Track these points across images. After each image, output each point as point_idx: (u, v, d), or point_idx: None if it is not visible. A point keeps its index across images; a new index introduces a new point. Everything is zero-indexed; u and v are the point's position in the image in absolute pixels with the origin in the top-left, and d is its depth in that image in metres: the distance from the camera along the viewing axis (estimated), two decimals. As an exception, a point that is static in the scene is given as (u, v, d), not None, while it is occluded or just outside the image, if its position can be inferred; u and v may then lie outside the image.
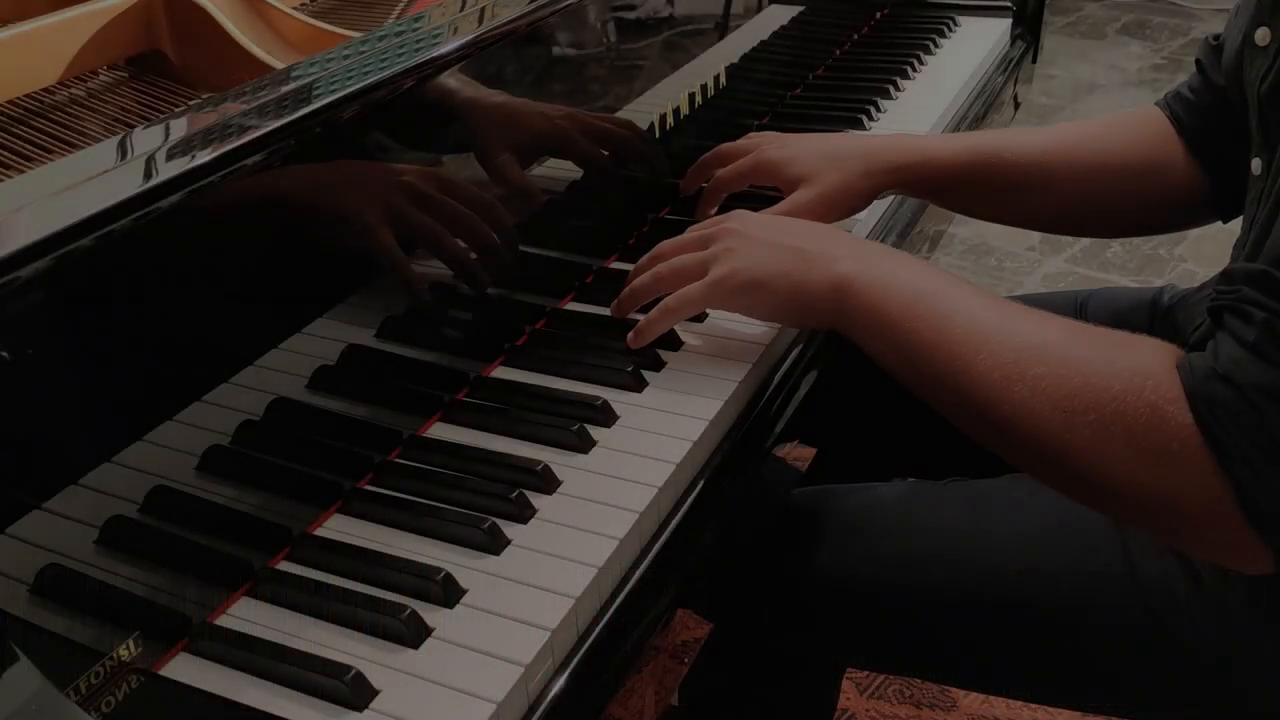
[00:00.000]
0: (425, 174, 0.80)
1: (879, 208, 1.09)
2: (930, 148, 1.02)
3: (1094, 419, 0.65)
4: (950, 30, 1.54)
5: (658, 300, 0.84)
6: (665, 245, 0.87)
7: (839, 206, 1.00)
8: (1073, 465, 0.67)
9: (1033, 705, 1.47)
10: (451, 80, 0.80)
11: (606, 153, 1.00)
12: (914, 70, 1.41)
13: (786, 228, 0.85)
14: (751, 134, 1.07)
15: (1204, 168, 0.95)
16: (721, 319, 0.91)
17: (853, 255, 0.79)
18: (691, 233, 0.87)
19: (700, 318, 0.91)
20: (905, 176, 1.01)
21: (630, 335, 0.84)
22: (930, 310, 0.74)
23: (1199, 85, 0.96)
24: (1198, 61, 0.96)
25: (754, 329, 0.89)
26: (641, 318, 0.85)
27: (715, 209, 1.04)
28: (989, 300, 0.75)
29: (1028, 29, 1.60)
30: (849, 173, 0.99)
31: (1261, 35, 0.77)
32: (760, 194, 1.04)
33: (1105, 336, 0.70)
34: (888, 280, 0.77)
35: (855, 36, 1.53)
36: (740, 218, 0.86)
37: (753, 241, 0.82)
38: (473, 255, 0.84)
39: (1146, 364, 0.66)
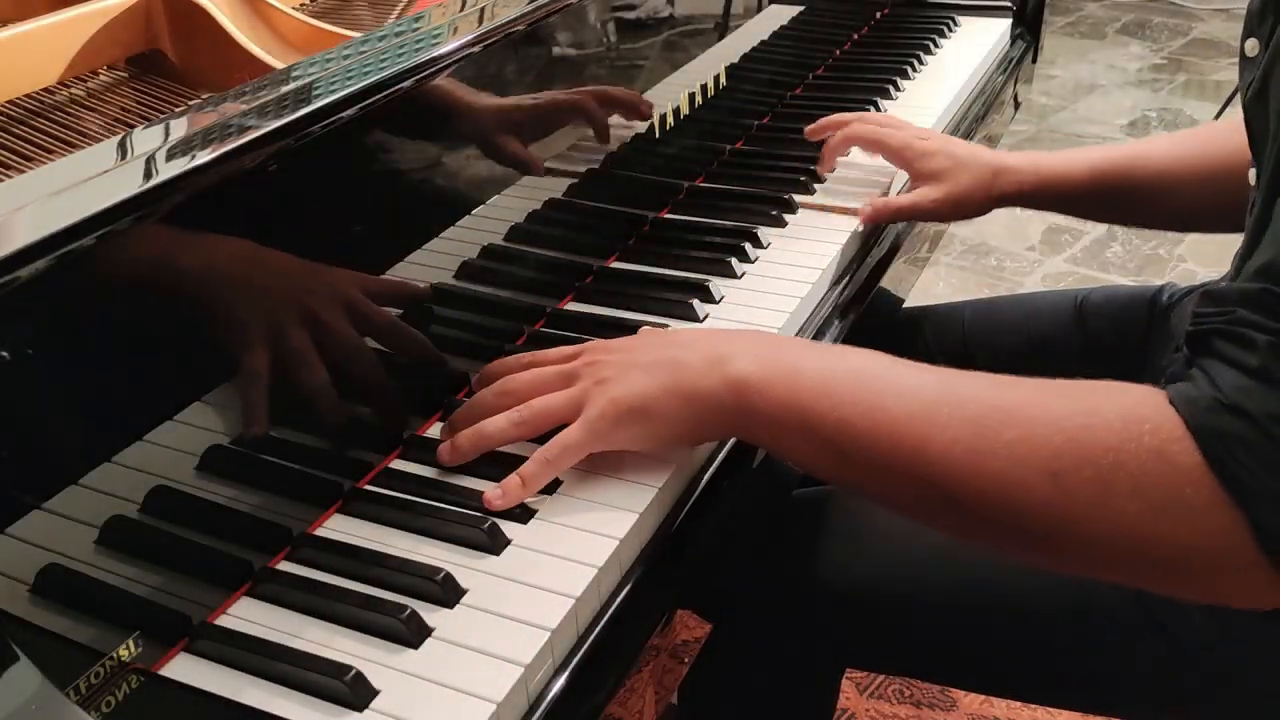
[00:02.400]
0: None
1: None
2: (1058, 170, 1.06)
3: (1090, 475, 0.59)
4: (950, 30, 1.54)
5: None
6: (514, 381, 0.75)
7: (961, 209, 1.06)
8: (1073, 533, 0.60)
9: (1033, 705, 1.47)
10: (450, 79, 0.80)
11: (606, 117, 1.00)
12: (914, 70, 1.41)
13: (654, 342, 0.75)
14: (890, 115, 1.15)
15: None
16: (721, 320, 0.91)
17: (742, 351, 0.70)
18: (545, 369, 0.75)
19: (699, 317, 0.90)
20: (1033, 198, 1.07)
21: (496, 494, 0.70)
22: (855, 391, 0.65)
23: None
24: None
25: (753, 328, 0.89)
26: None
27: (836, 159, 1.14)
28: (920, 368, 0.67)
29: (1028, 29, 1.60)
30: (977, 182, 1.05)
31: (1250, 46, 0.77)
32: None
33: (1073, 388, 0.63)
34: (794, 371, 0.68)
35: (855, 36, 1.53)
36: (599, 348, 0.75)
37: (623, 365, 0.72)
38: (475, 250, 0.84)
39: (1138, 408, 0.59)
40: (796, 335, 0.92)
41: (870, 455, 0.65)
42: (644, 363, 0.72)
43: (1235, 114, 1.00)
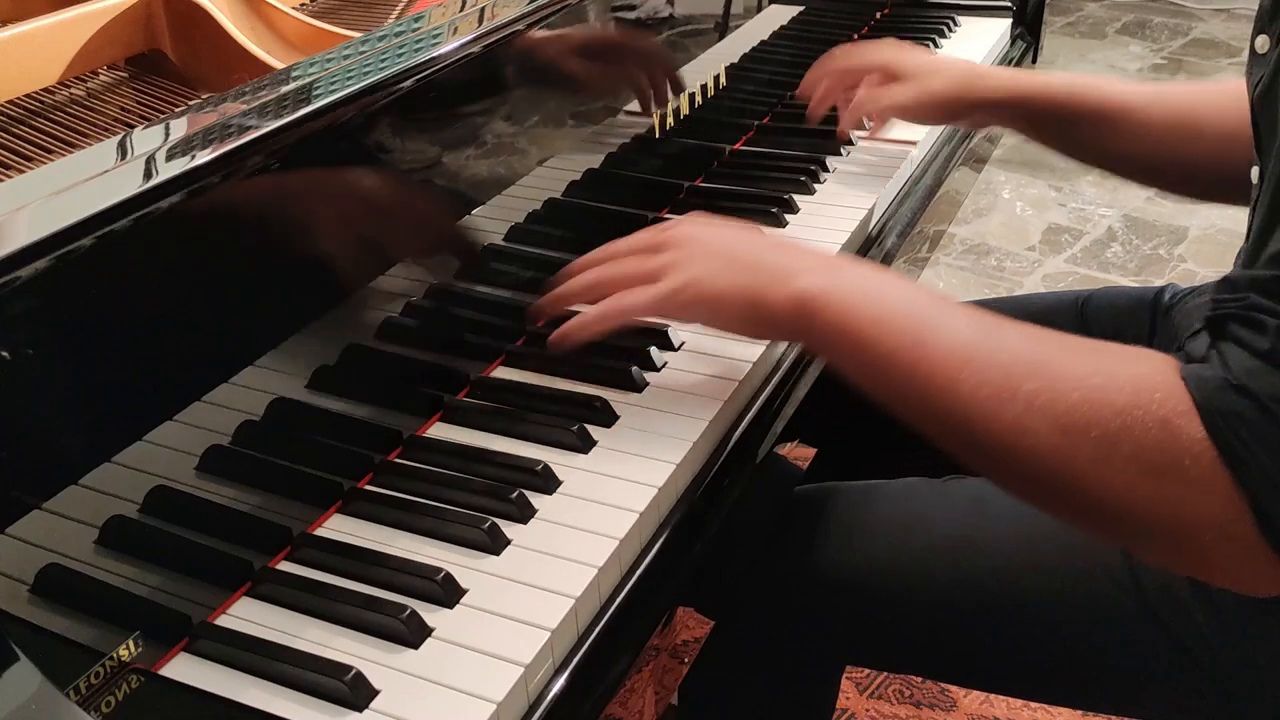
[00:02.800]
0: (413, 178, 0.80)
1: (879, 208, 1.09)
2: (1027, 81, 1.08)
3: (1097, 435, 0.61)
4: (950, 30, 1.54)
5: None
6: (605, 247, 0.82)
7: (933, 112, 1.10)
8: (1074, 486, 0.63)
9: (1033, 705, 1.47)
10: (450, 79, 0.80)
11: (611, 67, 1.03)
12: (914, 70, 1.41)
13: (741, 238, 0.80)
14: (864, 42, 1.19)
15: None
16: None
17: (814, 269, 0.75)
18: (633, 238, 0.82)
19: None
20: (1001, 104, 1.08)
21: (553, 336, 0.78)
22: (904, 326, 0.69)
23: None
24: None
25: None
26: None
27: (829, 104, 1.18)
28: (969, 312, 0.70)
29: (1028, 29, 1.60)
30: (950, 83, 1.08)
31: (1261, 42, 0.77)
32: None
33: (1100, 348, 0.66)
34: (854, 295, 0.72)
35: (855, 36, 1.53)
36: (692, 223, 0.82)
37: (707, 253, 0.78)
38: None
39: (1151, 376, 0.62)
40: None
41: (907, 384, 0.69)
42: (726, 255, 0.77)
43: (1227, 82, 1.01)
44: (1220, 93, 1.01)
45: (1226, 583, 0.66)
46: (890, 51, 1.13)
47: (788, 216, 1.07)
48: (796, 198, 1.09)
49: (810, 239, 1.03)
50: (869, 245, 1.07)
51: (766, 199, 1.08)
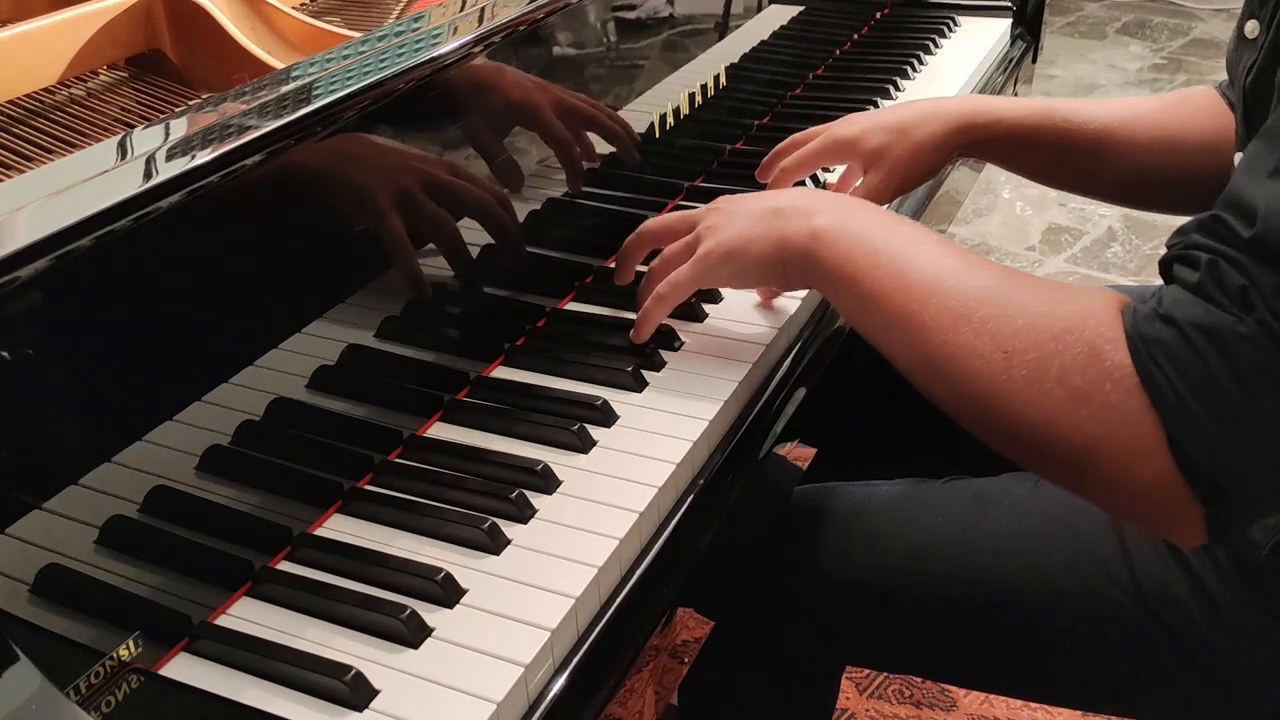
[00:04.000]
0: (434, 162, 0.80)
1: (879, 208, 1.09)
2: (999, 108, 1.02)
3: (1033, 358, 0.64)
4: (950, 30, 1.54)
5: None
6: (647, 225, 0.90)
7: (913, 175, 1.01)
8: (1004, 406, 0.65)
9: (1033, 705, 1.47)
10: (449, 79, 0.80)
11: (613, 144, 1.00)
12: (914, 70, 1.41)
13: (767, 195, 0.87)
14: (816, 126, 1.07)
15: None
16: (720, 320, 0.91)
17: (828, 209, 0.80)
18: (676, 215, 0.89)
19: (699, 317, 0.91)
20: (975, 136, 1.01)
21: (632, 331, 0.86)
22: (893, 257, 0.74)
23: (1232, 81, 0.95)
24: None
25: (753, 329, 0.89)
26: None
27: None
28: (955, 251, 0.73)
29: (1028, 29, 1.60)
30: (919, 139, 1.00)
31: (1251, 28, 0.77)
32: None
33: (1060, 286, 0.69)
34: (858, 231, 0.77)
35: (855, 36, 1.53)
36: (725, 198, 0.87)
37: (734, 214, 0.84)
38: (478, 248, 0.84)
39: (1092, 308, 0.64)
40: (806, 323, 0.93)
41: (887, 314, 0.72)
42: (751, 210, 0.83)
43: (1193, 91, 0.99)
44: (1192, 103, 1.00)
45: (1149, 524, 0.68)
46: (839, 129, 1.02)
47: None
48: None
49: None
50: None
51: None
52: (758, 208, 0.83)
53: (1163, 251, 0.67)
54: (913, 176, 1.00)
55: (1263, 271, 0.58)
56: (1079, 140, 1.00)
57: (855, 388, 0.96)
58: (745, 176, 1.15)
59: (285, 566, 0.68)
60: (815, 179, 1.12)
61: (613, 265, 1.00)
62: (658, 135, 1.07)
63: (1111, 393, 0.61)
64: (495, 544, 0.68)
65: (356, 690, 0.59)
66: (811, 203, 0.82)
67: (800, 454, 0.93)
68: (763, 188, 1.05)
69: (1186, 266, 0.62)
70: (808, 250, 0.78)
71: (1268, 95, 0.69)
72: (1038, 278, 0.70)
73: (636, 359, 0.84)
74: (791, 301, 0.92)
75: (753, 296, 0.94)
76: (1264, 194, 0.59)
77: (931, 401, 0.72)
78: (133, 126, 0.79)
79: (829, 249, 0.77)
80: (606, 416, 0.79)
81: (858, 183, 1.02)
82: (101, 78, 0.88)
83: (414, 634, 0.62)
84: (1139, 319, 0.62)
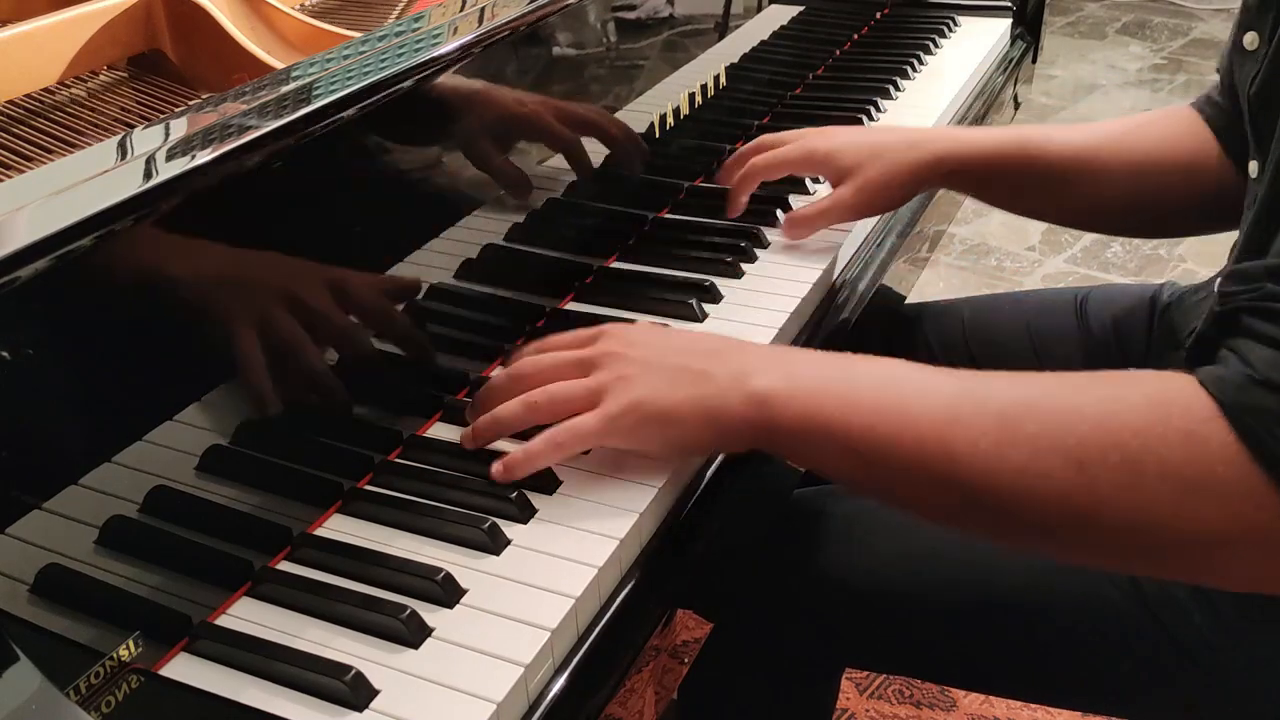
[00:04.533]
0: (437, 163, 0.80)
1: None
2: (973, 139, 1.01)
3: (1116, 461, 0.57)
4: (950, 30, 1.54)
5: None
6: (529, 363, 0.74)
7: (882, 199, 0.99)
8: (1100, 521, 0.59)
9: (1032, 705, 1.47)
10: (450, 80, 0.80)
11: (608, 148, 0.99)
12: (914, 70, 1.41)
13: (675, 345, 0.73)
14: (788, 131, 1.06)
15: (1240, 169, 0.94)
16: (720, 320, 0.91)
17: (765, 367, 0.69)
18: (561, 354, 0.74)
19: (699, 317, 0.90)
20: (948, 168, 0.99)
21: (498, 467, 0.71)
22: (876, 399, 0.65)
23: (1227, 89, 0.95)
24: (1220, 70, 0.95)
25: (753, 329, 0.89)
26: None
27: (747, 197, 1.04)
28: (935, 371, 0.66)
29: (1028, 29, 1.60)
30: (892, 164, 0.97)
31: (1250, 39, 0.77)
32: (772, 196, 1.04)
33: (1096, 376, 0.62)
34: (813, 381, 0.67)
35: (855, 36, 1.53)
36: (616, 336, 0.74)
37: (645, 365, 0.71)
38: (479, 247, 0.84)
39: (1163, 390, 0.59)
40: (800, 331, 0.93)
41: (895, 459, 0.64)
42: (668, 367, 0.70)
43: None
44: (1166, 125, 0.99)
45: (1273, 588, 0.63)
46: (814, 141, 1.00)
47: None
48: (794, 198, 1.09)
49: (815, 236, 1.03)
50: (871, 243, 1.07)
51: (768, 199, 1.08)
52: (673, 362, 0.71)
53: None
54: (881, 200, 0.99)
55: None
56: (1054, 169, 0.99)
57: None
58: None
59: (285, 566, 0.68)
60: (805, 187, 1.12)
61: (615, 265, 1.00)
62: (657, 135, 1.07)
63: (1225, 474, 0.56)
64: (495, 544, 0.68)
65: (356, 690, 0.59)
66: (739, 361, 0.70)
67: (800, 454, 0.93)
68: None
69: (1265, 320, 0.58)
70: (758, 418, 0.68)
71: (1275, 105, 0.69)
72: (1057, 374, 0.64)
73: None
74: (791, 301, 0.92)
75: (757, 297, 0.94)
76: None
77: (979, 538, 0.66)
78: (133, 126, 0.79)
79: (785, 410, 0.67)
80: (606, 416, 0.79)
81: (819, 194, 1.01)
82: (101, 78, 0.88)
83: (414, 634, 0.62)
84: (1232, 389, 0.57)
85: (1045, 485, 0.59)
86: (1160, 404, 0.58)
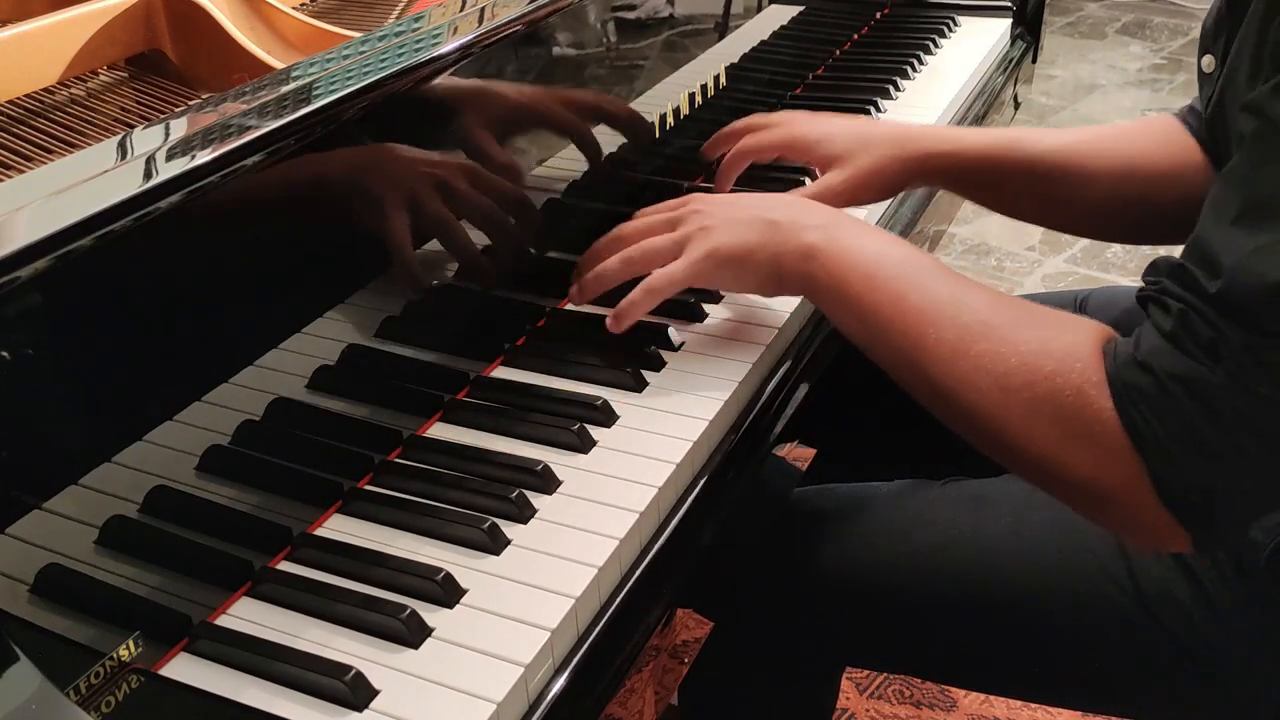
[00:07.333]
0: (441, 163, 0.80)
1: (879, 206, 1.09)
2: (962, 138, 1.01)
3: (1027, 397, 0.68)
4: (950, 30, 1.54)
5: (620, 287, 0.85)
6: (627, 227, 0.87)
7: (868, 190, 0.99)
8: (1006, 438, 0.69)
9: (1033, 705, 1.47)
10: (450, 80, 0.80)
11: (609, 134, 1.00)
12: (914, 70, 1.41)
13: (752, 202, 0.85)
14: (780, 112, 1.06)
15: None
16: (719, 320, 0.91)
17: (820, 225, 0.80)
18: (653, 215, 0.87)
19: (699, 316, 0.91)
20: (936, 165, 1.00)
21: (610, 318, 0.84)
22: (889, 283, 0.75)
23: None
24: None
25: (753, 328, 0.89)
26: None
27: (734, 179, 1.04)
28: (945, 275, 0.75)
29: (1028, 29, 1.60)
30: (881, 157, 0.98)
31: (1207, 62, 0.79)
32: (773, 176, 1.04)
33: (1046, 317, 0.71)
34: (851, 251, 0.78)
35: (855, 36, 1.53)
36: (701, 199, 0.86)
37: (724, 218, 0.83)
38: (483, 249, 0.84)
39: (1078, 347, 0.68)
40: (800, 330, 0.93)
41: (889, 338, 0.75)
42: (744, 219, 0.82)
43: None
44: (1152, 132, 0.99)
45: (1138, 539, 0.74)
46: (804, 126, 1.01)
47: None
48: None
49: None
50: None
51: (781, 181, 1.08)
52: (749, 215, 0.83)
53: (1162, 252, 0.67)
54: (868, 192, 0.99)
55: (1229, 326, 0.61)
56: (1040, 170, 0.99)
57: (855, 388, 0.96)
58: (745, 177, 1.15)
59: (285, 566, 0.68)
60: (812, 177, 1.12)
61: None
62: (658, 135, 1.07)
63: (1100, 434, 0.65)
64: (495, 544, 0.68)
65: (356, 690, 0.59)
66: (803, 215, 0.82)
67: (800, 454, 0.93)
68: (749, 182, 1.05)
69: (1160, 310, 0.66)
70: (802, 266, 0.79)
71: (1224, 130, 0.70)
72: (1026, 304, 0.73)
73: (636, 359, 0.84)
74: (791, 301, 0.92)
75: (751, 296, 0.94)
76: (1226, 246, 0.62)
77: (938, 418, 0.74)
78: (133, 126, 0.79)
79: (823, 267, 0.78)
80: (607, 416, 0.79)
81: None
82: (101, 78, 0.88)
83: (414, 634, 0.62)
84: (1120, 364, 0.65)
85: (976, 397, 0.70)
86: (1073, 358, 0.67)
